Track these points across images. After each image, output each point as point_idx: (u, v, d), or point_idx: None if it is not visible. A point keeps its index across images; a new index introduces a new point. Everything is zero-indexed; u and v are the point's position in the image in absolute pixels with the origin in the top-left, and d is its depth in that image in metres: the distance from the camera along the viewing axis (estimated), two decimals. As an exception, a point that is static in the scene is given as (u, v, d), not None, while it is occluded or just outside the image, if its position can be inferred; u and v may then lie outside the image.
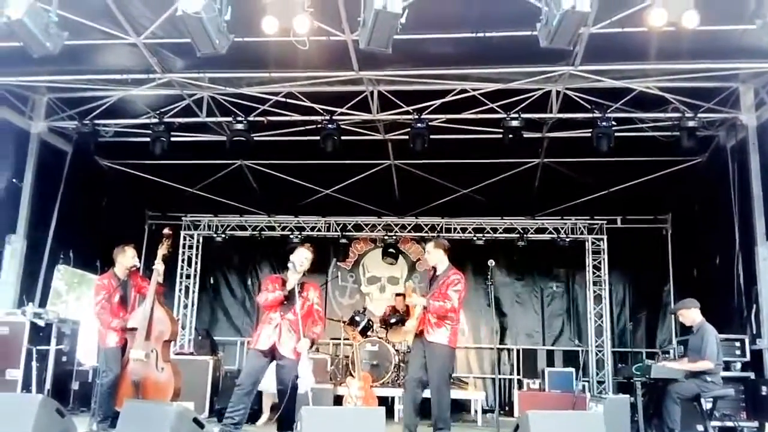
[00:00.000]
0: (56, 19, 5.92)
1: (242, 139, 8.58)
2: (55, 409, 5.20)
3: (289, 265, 6.05)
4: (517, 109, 8.17)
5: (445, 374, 6.04)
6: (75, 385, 8.37)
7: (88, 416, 6.66)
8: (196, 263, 12.44)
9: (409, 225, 12.07)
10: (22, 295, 8.50)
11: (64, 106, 8.99)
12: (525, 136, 8.31)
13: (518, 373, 11.28)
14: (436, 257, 6.30)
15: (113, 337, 6.26)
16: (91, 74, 8.06)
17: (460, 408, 9.86)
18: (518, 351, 11.56)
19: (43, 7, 5.82)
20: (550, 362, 11.43)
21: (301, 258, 6.10)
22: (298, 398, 6.08)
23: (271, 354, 5.89)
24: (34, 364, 7.04)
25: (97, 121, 8.84)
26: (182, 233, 12.33)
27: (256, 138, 8.81)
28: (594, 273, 11.65)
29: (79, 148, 9.35)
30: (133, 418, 4.78)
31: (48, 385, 7.61)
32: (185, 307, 12.25)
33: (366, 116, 8.62)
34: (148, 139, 8.82)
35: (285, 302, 5.94)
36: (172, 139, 8.78)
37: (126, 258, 6.50)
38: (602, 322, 11.44)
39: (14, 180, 8.69)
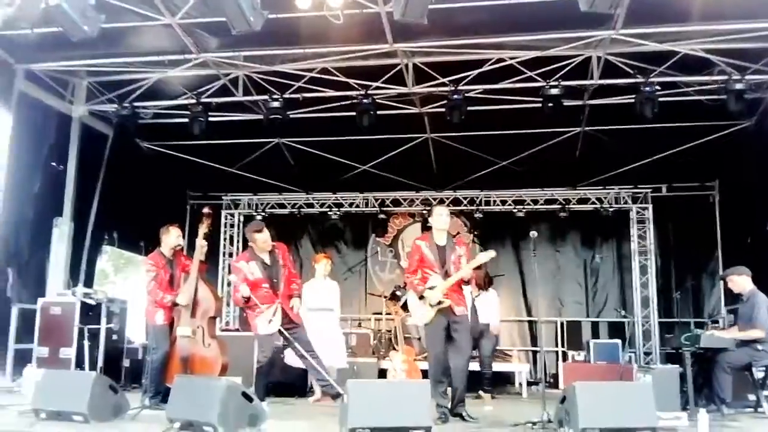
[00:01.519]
0: (93, 3, 5.99)
1: (278, 116, 8.61)
2: (109, 386, 5.36)
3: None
4: (556, 76, 7.99)
5: None
6: (126, 363, 8.58)
7: (139, 392, 6.82)
8: (237, 242, 12.58)
9: (448, 198, 11.98)
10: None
11: (103, 89, 9.14)
12: (565, 104, 8.15)
13: (563, 346, 11.19)
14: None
15: (161, 315, 6.38)
16: (128, 57, 8.18)
17: (504, 381, 9.86)
18: (562, 323, 11.46)
19: (80, -9, 5.88)
20: (595, 334, 11.29)
21: (262, 237, 6.24)
22: (342, 372, 6.18)
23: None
24: (86, 342, 7.24)
25: (136, 104, 8.97)
26: (223, 212, 12.47)
27: (292, 115, 8.83)
28: (639, 243, 11.41)
29: (119, 131, 9.51)
30: (183, 393, 4.88)
31: (100, 363, 7.86)
32: (228, 284, 12.38)
33: (401, 90, 8.54)
34: (186, 120, 8.93)
35: (273, 281, 6.09)
36: (210, 119, 8.87)
37: (171, 237, 6.60)
38: (648, 292, 11.22)
39: (53, 164, 8.87)
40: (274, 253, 6.31)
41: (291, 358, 6.73)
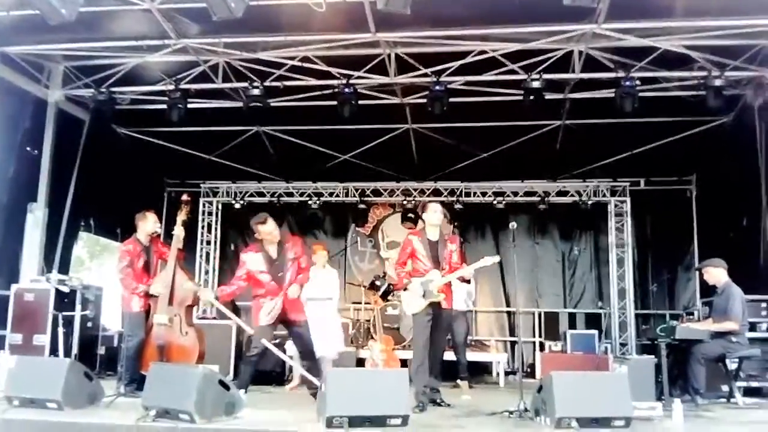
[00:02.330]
0: (71, -15, 5.87)
1: (259, 104, 8.53)
2: (83, 373, 5.31)
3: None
4: (538, 69, 7.99)
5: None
6: (101, 350, 8.51)
7: (114, 380, 6.77)
8: (215, 230, 12.51)
9: (428, 189, 12.00)
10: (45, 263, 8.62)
11: (80, 74, 8.96)
12: (546, 97, 8.16)
13: (540, 336, 11.28)
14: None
15: (137, 302, 6.33)
16: (106, 41, 8.03)
17: (482, 370, 9.92)
18: (540, 314, 11.55)
19: (58, -27, 5.77)
20: (572, 325, 11.42)
21: (265, 229, 6.04)
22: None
23: (278, 322, 5.99)
24: (60, 329, 7.14)
25: (113, 89, 8.82)
26: (201, 200, 12.39)
27: (272, 103, 8.75)
28: (617, 235, 11.53)
29: (96, 116, 9.34)
30: (159, 380, 4.84)
31: (75, 350, 7.78)
32: (206, 273, 12.36)
33: (383, 80, 8.50)
34: (164, 107, 8.80)
35: (277, 275, 5.96)
36: (189, 105, 8.76)
37: (147, 223, 6.53)
38: (625, 284, 11.36)
39: (28, 148, 8.72)
40: (283, 246, 6.08)
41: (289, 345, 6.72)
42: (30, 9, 6.04)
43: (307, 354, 6.16)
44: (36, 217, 8.65)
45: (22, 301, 7.74)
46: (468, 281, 6.16)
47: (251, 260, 6.00)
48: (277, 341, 6.47)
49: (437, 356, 6.09)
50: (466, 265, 6.25)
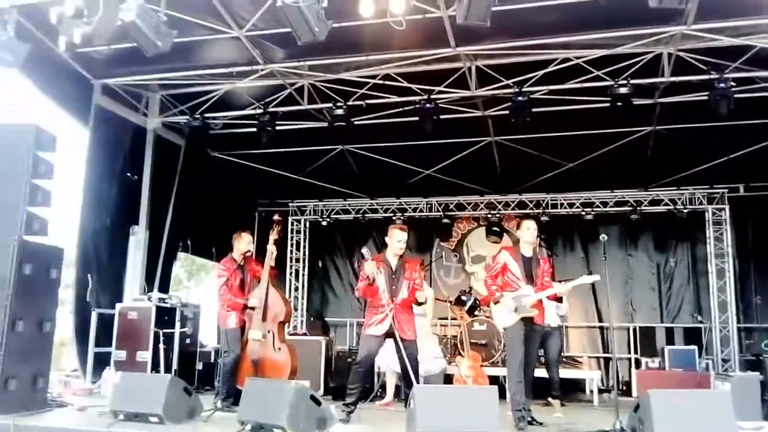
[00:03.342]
0: (165, 19, 6.21)
1: (343, 123, 8.70)
2: (183, 388, 5.55)
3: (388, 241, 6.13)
4: (625, 75, 7.78)
5: None
6: (199, 366, 8.83)
7: (212, 394, 7.02)
8: (304, 247, 12.80)
9: (513, 202, 11.84)
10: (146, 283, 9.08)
11: (175, 101, 9.49)
12: (635, 103, 7.92)
13: (636, 352, 10.84)
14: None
15: (233, 319, 6.57)
16: (199, 69, 8.44)
17: (574, 387, 9.63)
18: (635, 329, 11.10)
19: (153, 8, 6.11)
20: (670, 340, 10.91)
21: (395, 240, 6.06)
22: (432, 379, 6.07)
23: (388, 336, 5.95)
24: (161, 346, 7.47)
25: (206, 115, 9.26)
26: (290, 218, 12.71)
27: (356, 122, 8.92)
28: (716, 245, 10.96)
29: (191, 141, 9.86)
30: (254, 395, 4.99)
31: (174, 366, 8.11)
32: (296, 290, 12.65)
33: (464, 93, 8.50)
34: (254, 130, 9.15)
35: (392, 286, 5.96)
36: (277, 128, 9.07)
37: (242, 243, 6.80)
38: (726, 296, 10.76)
39: (128, 174, 9.24)
40: (404, 264, 6.10)
41: (380, 360, 6.69)
42: (128, 42, 6.41)
43: (408, 375, 5.86)
44: (138, 239, 9.16)
45: (126, 319, 8.16)
46: (560, 299, 6.04)
47: (371, 269, 5.93)
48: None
49: (528, 373, 5.98)
50: (555, 283, 6.16)
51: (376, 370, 6.40)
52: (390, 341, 5.97)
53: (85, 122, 8.67)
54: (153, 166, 9.45)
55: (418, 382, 5.88)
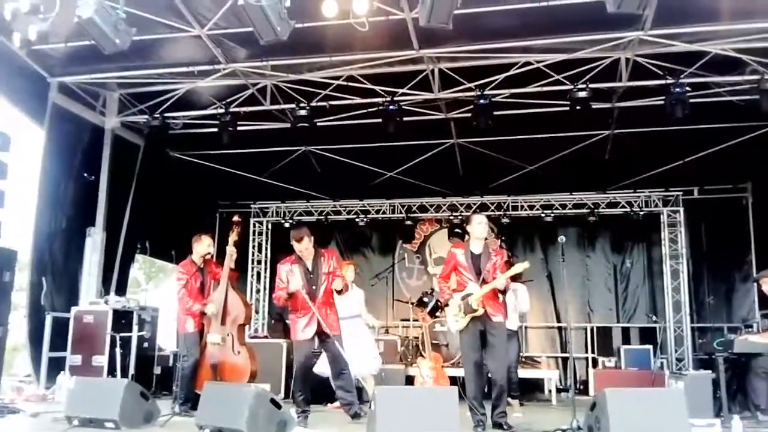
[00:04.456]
0: (124, 16, 6.11)
1: (305, 125, 8.66)
2: (140, 393, 5.45)
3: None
4: (584, 79, 7.91)
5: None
6: (157, 370, 8.68)
7: (170, 399, 6.91)
8: (266, 249, 12.68)
9: (475, 204, 11.93)
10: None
11: (134, 101, 9.31)
12: (593, 107, 8.06)
13: (593, 352, 11.03)
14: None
15: (191, 323, 6.47)
16: (158, 68, 8.30)
17: (533, 387, 9.75)
18: (592, 329, 11.30)
19: (111, 5, 6.00)
20: (626, 340, 11.14)
21: (299, 247, 6.09)
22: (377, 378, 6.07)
23: (318, 336, 5.98)
24: (117, 350, 7.34)
25: (166, 115, 9.11)
26: (252, 220, 12.59)
27: (319, 123, 8.88)
28: (671, 247, 11.23)
29: (150, 142, 9.67)
30: (213, 399, 4.93)
31: (131, 370, 7.95)
32: (258, 292, 12.53)
33: (428, 95, 8.54)
34: (215, 130, 9.04)
35: (311, 286, 5.97)
36: (239, 128, 8.96)
37: (202, 246, 6.70)
38: (680, 297, 11.03)
39: (85, 174, 9.03)
40: (318, 260, 6.14)
41: (319, 367, 6.71)
42: (85, 39, 6.28)
43: (338, 372, 6.08)
44: (95, 241, 8.96)
45: (82, 323, 7.99)
46: (504, 292, 5.88)
47: (287, 272, 6.00)
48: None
49: (496, 375, 5.67)
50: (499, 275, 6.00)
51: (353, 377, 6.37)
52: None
53: (40, 121, 8.46)
54: (111, 166, 9.25)
55: (347, 376, 6.03)
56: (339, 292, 6.13)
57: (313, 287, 5.99)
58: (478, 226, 5.93)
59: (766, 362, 6.01)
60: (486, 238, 6.08)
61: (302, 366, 5.97)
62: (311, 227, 12.50)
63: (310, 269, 6.06)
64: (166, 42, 7.67)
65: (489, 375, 5.80)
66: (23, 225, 8.51)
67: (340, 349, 5.96)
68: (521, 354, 9.33)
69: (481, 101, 8.16)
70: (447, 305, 5.88)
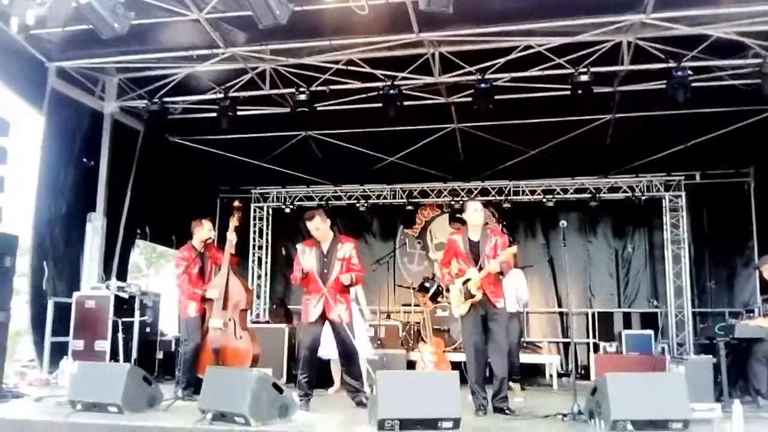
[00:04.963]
0: (122, 0, 6.05)
1: (305, 109, 8.62)
2: (142, 377, 5.47)
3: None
4: (585, 63, 7.85)
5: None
6: (159, 355, 8.71)
7: (172, 384, 6.94)
8: (267, 234, 12.70)
9: (476, 189, 11.92)
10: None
11: (133, 85, 9.27)
12: (595, 91, 8.00)
13: (594, 337, 11.06)
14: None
15: (193, 307, 6.48)
16: (157, 53, 8.24)
17: (534, 372, 9.79)
18: (593, 314, 11.33)
19: (109, -11, 5.95)
20: (627, 325, 11.12)
21: (310, 226, 6.06)
22: (372, 363, 6.11)
23: (323, 320, 6.01)
24: (120, 335, 7.37)
25: (166, 99, 9.07)
26: (252, 206, 12.58)
27: (319, 108, 8.84)
28: (672, 232, 11.22)
29: (150, 127, 9.63)
30: (215, 384, 4.94)
31: (134, 355, 8.00)
32: (259, 277, 12.56)
33: (428, 79, 8.48)
34: (215, 115, 9.00)
35: (323, 270, 5.98)
36: (238, 113, 8.92)
37: (203, 231, 6.70)
38: (681, 282, 11.04)
39: (85, 159, 9.01)
40: (335, 245, 6.11)
41: (323, 351, 6.72)
42: (83, 24, 6.24)
43: (345, 356, 6.14)
44: (95, 227, 8.96)
45: (84, 308, 8.02)
46: (501, 274, 5.87)
47: (303, 253, 6.03)
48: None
49: (497, 360, 5.76)
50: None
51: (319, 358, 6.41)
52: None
53: (39, 106, 8.41)
54: (110, 151, 9.22)
55: (356, 364, 6.08)
56: (347, 286, 6.12)
57: (325, 270, 5.99)
58: (474, 213, 5.93)
59: (766, 347, 6.02)
60: (487, 223, 6.08)
61: (308, 349, 5.98)
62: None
63: (324, 252, 6.06)
64: (165, 26, 7.61)
65: (490, 364, 5.83)
66: (24, 210, 8.51)
67: (351, 337, 5.97)
68: (523, 339, 9.35)
69: (482, 85, 8.10)
70: (448, 290, 5.87)
